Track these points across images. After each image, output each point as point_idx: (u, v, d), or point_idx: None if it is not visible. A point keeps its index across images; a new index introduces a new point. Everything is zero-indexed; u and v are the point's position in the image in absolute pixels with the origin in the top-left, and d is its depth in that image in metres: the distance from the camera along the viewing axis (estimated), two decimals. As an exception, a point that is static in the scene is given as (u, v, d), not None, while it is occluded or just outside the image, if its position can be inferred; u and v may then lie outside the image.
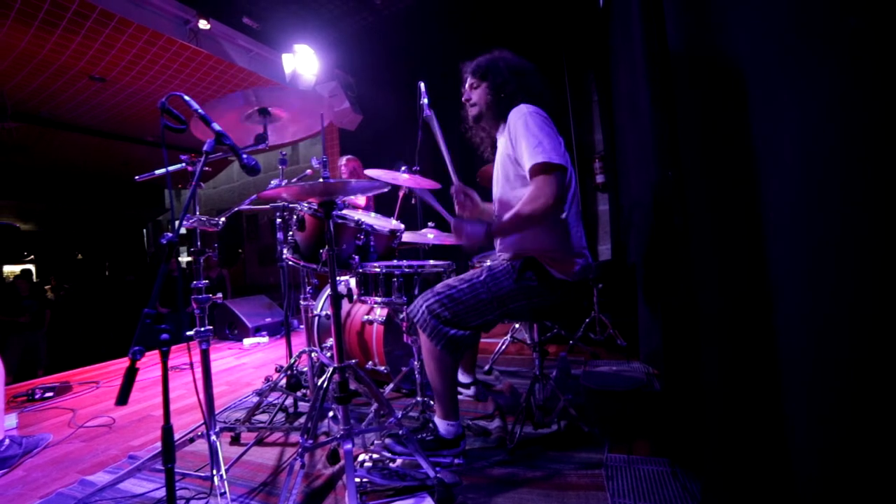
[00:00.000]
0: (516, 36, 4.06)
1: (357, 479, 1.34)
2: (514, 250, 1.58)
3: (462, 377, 2.10)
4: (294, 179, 1.93)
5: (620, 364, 2.51)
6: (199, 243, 1.54)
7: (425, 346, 1.51)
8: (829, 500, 0.69)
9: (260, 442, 1.78)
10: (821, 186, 0.66)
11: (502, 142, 1.60)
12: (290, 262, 1.94)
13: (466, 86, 1.70)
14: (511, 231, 1.48)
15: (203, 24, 3.77)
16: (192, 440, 1.57)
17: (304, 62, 4.34)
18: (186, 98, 1.25)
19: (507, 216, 1.46)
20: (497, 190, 1.67)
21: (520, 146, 1.46)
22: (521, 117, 1.47)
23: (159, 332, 0.89)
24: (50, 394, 2.56)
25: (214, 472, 1.33)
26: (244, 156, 1.25)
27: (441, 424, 1.53)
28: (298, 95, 1.71)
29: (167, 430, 0.91)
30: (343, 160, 3.40)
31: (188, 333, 1.47)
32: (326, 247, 1.39)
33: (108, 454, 1.80)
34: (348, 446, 1.27)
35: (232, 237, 7.82)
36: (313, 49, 4.36)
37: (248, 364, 3.24)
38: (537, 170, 1.41)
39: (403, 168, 1.94)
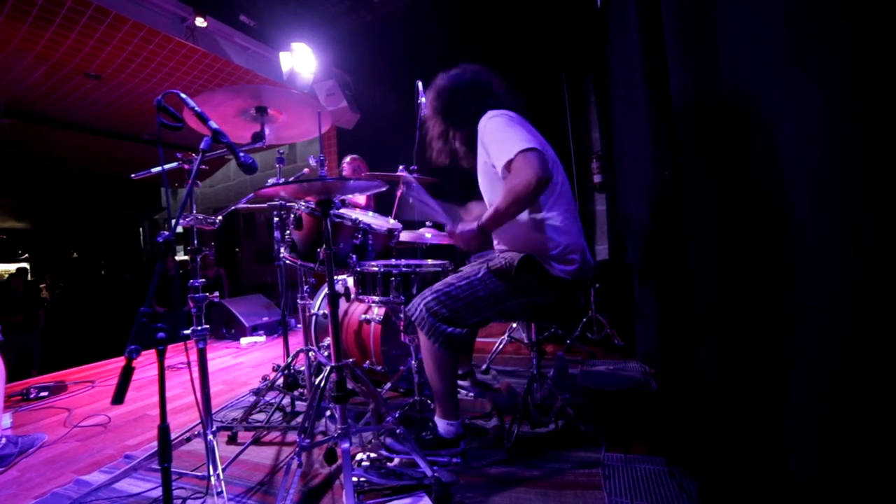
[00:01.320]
0: (514, 36, 4.07)
1: (354, 478, 1.34)
2: (512, 248, 1.59)
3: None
4: (291, 178, 1.93)
5: (617, 364, 2.52)
6: (195, 242, 1.53)
7: (424, 344, 1.51)
8: (829, 501, 0.69)
9: (257, 441, 1.78)
10: (820, 186, 0.66)
11: (480, 151, 1.61)
12: (288, 261, 1.93)
13: (436, 136, 1.72)
14: (501, 219, 1.46)
15: (200, 22, 3.75)
16: (188, 439, 1.56)
17: (301, 60, 4.33)
18: (183, 96, 1.24)
19: (493, 207, 1.46)
20: (487, 198, 1.68)
21: (491, 152, 1.49)
22: (486, 125, 1.52)
23: (155, 331, 0.88)
24: (45, 393, 2.54)
25: (211, 471, 1.33)
26: (241, 154, 1.25)
27: (441, 424, 1.53)
28: (297, 98, 1.70)
29: (164, 430, 0.91)
30: (347, 159, 3.40)
31: (185, 332, 1.46)
32: (324, 246, 1.39)
33: (104, 454, 1.79)
34: (345, 445, 1.27)
35: (229, 236, 7.80)
36: (311, 47, 4.34)
37: (245, 363, 3.23)
38: (511, 162, 1.41)
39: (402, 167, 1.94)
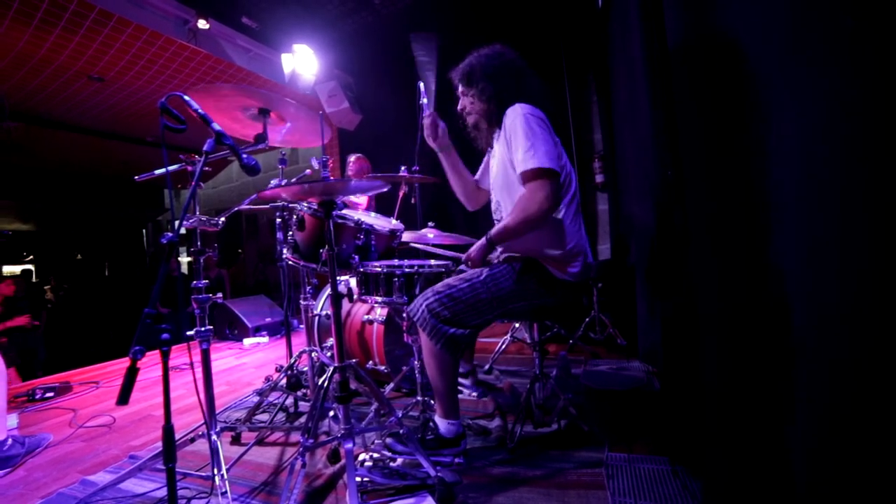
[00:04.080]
0: (515, 36, 4.06)
1: (358, 479, 1.34)
2: (515, 251, 1.59)
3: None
4: (293, 179, 1.93)
5: (620, 363, 2.51)
6: (199, 243, 1.54)
7: (425, 344, 1.51)
8: (830, 500, 0.69)
9: (260, 441, 1.78)
10: (821, 186, 0.66)
11: (499, 147, 1.60)
12: (290, 262, 1.94)
13: (459, 93, 1.70)
14: (508, 237, 1.51)
15: (202, 24, 3.77)
16: (192, 440, 1.57)
17: (303, 62, 4.34)
18: (186, 98, 1.25)
19: (502, 224, 1.48)
20: (498, 197, 1.66)
21: (514, 149, 1.47)
22: (515, 119, 1.46)
23: (160, 332, 0.89)
24: (50, 394, 2.56)
25: (215, 471, 1.33)
26: (244, 156, 1.25)
27: (441, 423, 1.54)
28: (301, 106, 1.71)
29: (168, 430, 0.91)
30: (352, 158, 3.40)
31: (188, 333, 1.47)
32: (326, 246, 1.39)
33: (109, 454, 1.80)
34: (349, 445, 1.27)
35: (231, 237, 7.83)
36: (312, 49, 4.36)
37: (249, 364, 3.24)
38: (529, 175, 1.42)
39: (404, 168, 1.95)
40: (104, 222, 9.68)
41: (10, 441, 1.78)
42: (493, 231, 1.51)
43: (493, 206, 1.71)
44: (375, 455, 1.53)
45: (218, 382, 2.70)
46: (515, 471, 1.45)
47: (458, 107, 1.71)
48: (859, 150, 0.57)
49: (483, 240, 1.52)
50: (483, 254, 1.54)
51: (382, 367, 2.19)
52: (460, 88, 1.68)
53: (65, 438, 1.97)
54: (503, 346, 2.78)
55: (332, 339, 1.69)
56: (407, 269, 1.70)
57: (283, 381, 2.15)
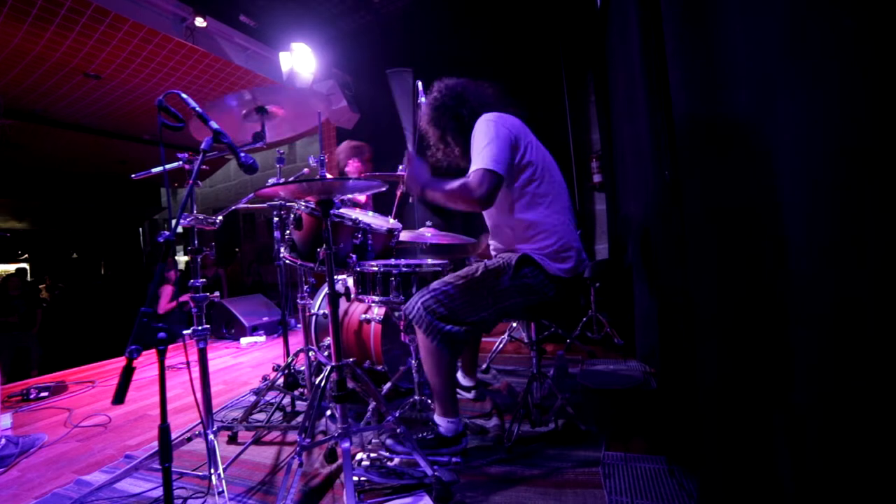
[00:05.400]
0: (514, 36, 4.07)
1: (355, 478, 1.34)
2: (509, 247, 1.60)
3: (463, 380, 2.10)
4: (291, 178, 1.93)
5: (617, 363, 2.52)
6: (196, 242, 1.53)
7: (422, 342, 1.51)
8: (828, 500, 0.69)
9: (257, 441, 1.78)
10: (820, 186, 0.66)
11: None
12: (288, 261, 1.93)
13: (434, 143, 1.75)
14: (437, 197, 1.53)
15: (199, 22, 3.75)
16: (189, 439, 1.56)
17: (301, 60, 4.32)
18: (184, 96, 1.24)
19: (444, 183, 1.51)
20: (488, 215, 1.68)
21: (474, 153, 1.52)
22: (474, 134, 1.54)
23: (156, 331, 0.89)
24: (45, 393, 2.54)
25: (212, 470, 1.33)
26: (242, 154, 1.25)
27: (441, 422, 1.54)
28: (295, 94, 1.72)
29: (164, 430, 0.91)
30: (344, 145, 3.32)
31: (185, 332, 1.46)
32: (324, 245, 1.39)
33: (105, 454, 1.79)
34: (346, 445, 1.27)
35: (229, 236, 7.81)
36: (311, 47, 4.34)
37: (246, 363, 3.23)
38: (477, 171, 1.45)
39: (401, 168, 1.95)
40: (100, 221, 9.63)
41: (3, 441, 1.77)
42: (432, 182, 1.53)
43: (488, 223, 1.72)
44: (373, 454, 1.53)
45: (214, 381, 2.69)
46: (513, 470, 1.45)
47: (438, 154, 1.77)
48: (859, 151, 0.57)
49: (426, 176, 1.56)
50: (415, 184, 1.57)
51: (380, 367, 2.18)
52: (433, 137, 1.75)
53: (59, 438, 1.96)
54: (500, 346, 2.78)
55: (329, 338, 1.69)
56: (404, 269, 1.70)
57: (280, 381, 2.15)
